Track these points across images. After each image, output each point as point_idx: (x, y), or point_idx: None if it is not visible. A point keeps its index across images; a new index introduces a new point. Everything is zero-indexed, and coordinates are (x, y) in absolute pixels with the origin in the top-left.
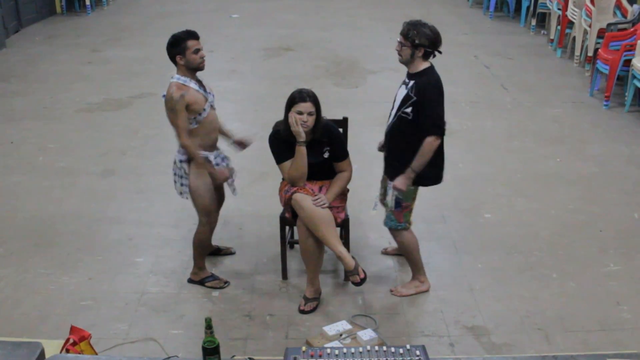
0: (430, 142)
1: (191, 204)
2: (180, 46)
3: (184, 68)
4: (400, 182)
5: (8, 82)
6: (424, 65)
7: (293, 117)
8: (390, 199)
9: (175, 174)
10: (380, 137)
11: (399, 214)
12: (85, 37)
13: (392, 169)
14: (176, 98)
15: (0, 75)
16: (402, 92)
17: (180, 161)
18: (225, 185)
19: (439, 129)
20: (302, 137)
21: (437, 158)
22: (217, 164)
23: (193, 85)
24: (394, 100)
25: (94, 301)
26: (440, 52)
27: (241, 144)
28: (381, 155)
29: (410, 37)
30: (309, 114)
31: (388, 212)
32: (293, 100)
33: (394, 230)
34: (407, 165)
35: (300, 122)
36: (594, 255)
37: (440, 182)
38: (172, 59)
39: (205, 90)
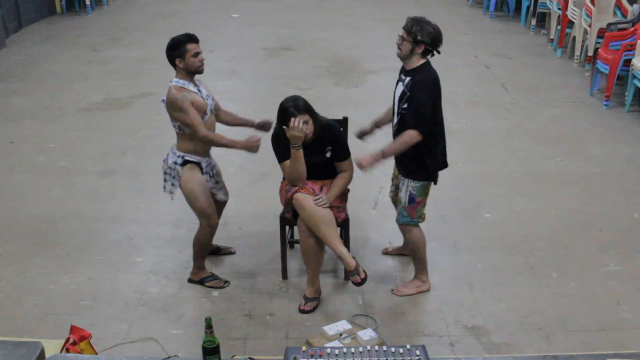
0: (409, 134)
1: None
2: (180, 49)
3: (183, 71)
4: (367, 159)
5: (8, 81)
6: (420, 61)
7: (297, 120)
8: (403, 194)
9: (165, 173)
10: (381, 138)
11: (412, 209)
12: (85, 37)
13: (404, 166)
14: (180, 97)
15: (0, 75)
16: (399, 89)
17: (175, 163)
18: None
19: (421, 125)
20: (299, 141)
21: (440, 150)
22: (207, 172)
23: (192, 88)
24: (393, 99)
25: (94, 301)
26: (439, 52)
27: (264, 126)
28: None
29: (412, 33)
30: (305, 122)
31: (401, 208)
32: (287, 117)
33: (404, 226)
34: (419, 161)
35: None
36: (594, 255)
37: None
38: (172, 62)
39: (203, 95)
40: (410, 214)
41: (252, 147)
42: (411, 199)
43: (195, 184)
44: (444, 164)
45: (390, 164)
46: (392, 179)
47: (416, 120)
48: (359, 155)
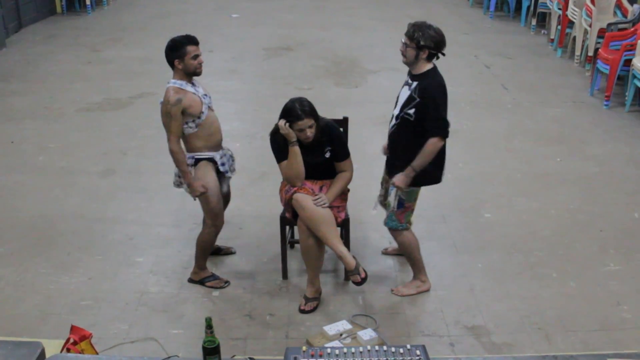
0: (433, 143)
1: (191, 203)
2: (179, 51)
3: (182, 72)
4: (400, 179)
5: (8, 81)
6: (427, 66)
7: (283, 122)
8: (392, 199)
9: (179, 177)
10: (381, 138)
11: (400, 214)
12: (85, 37)
13: (394, 169)
14: (172, 102)
15: (0, 75)
16: (405, 93)
17: (187, 166)
18: (232, 186)
19: (442, 131)
20: (293, 137)
21: (439, 158)
22: (223, 164)
23: (190, 88)
24: (397, 101)
25: (94, 301)
26: (444, 54)
27: None
28: (380, 154)
29: (415, 39)
30: (310, 127)
31: (389, 212)
32: (291, 119)
33: (394, 231)
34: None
35: (304, 137)
36: (594, 255)
37: (439, 181)
38: (170, 62)
39: (200, 94)
40: (398, 218)
41: (194, 190)
42: (400, 204)
43: (207, 182)
44: (436, 179)
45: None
46: (382, 183)
47: (437, 127)
48: (394, 180)
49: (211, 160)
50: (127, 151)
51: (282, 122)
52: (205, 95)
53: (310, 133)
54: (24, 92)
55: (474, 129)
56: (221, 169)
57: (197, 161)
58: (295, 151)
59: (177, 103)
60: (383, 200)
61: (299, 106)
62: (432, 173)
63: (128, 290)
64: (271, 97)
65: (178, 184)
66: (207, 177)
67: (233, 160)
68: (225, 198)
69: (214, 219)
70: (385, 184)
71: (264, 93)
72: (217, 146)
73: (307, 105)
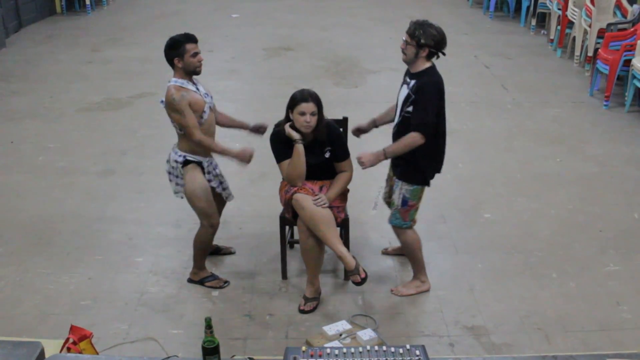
0: (412, 137)
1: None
2: (178, 49)
3: (182, 71)
4: (368, 157)
5: (8, 81)
6: (426, 65)
7: (287, 125)
8: (396, 197)
9: (170, 174)
10: (381, 138)
11: (404, 212)
12: (85, 37)
13: (399, 169)
14: (177, 98)
15: (0, 75)
16: (404, 92)
17: (176, 162)
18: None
19: (425, 128)
20: (297, 136)
21: (434, 161)
22: (209, 172)
23: (191, 87)
24: (397, 101)
25: (94, 301)
26: (444, 54)
27: (259, 130)
28: None
29: (416, 37)
30: (312, 114)
31: (394, 210)
32: (295, 101)
33: (397, 229)
34: (415, 165)
35: (304, 123)
36: (594, 255)
37: (427, 184)
38: (170, 61)
39: (201, 93)
40: (402, 216)
41: (244, 157)
42: (404, 202)
43: (196, 184)
44: (424, 180)
45: (388, 164)
46: (387, 180)
47: (420, 124)
48: (361, 153)
49: (199, 164)
50: (126, 151)
51: (286, 126)
52: (207, 94)
53: (310, 120)
54: (24, 92)
55: (474, 129)
56: (205, 177)
57: (187, 162)
58: (300, 150)
59: (181, 99)
60: (387, 198)
61: (306, 91)
62: (432, 171)
63: (128, 290)
64: (271, 97)
65: (177, 191)
66: (196, 179)
67: (219, 169)
68: (221, 199)
69: (207, 219)
70: (390, 181)
71: (264, 93)
72: (207, 152)
73: (313, 92)
